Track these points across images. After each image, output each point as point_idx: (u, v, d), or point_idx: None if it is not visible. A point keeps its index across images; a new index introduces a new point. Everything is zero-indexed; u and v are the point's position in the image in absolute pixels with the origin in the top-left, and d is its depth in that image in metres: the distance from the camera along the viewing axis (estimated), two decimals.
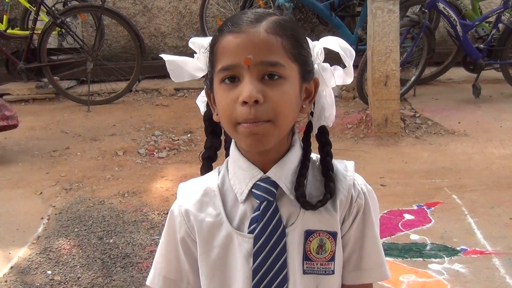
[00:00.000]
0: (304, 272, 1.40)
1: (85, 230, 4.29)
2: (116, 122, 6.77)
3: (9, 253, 4.07)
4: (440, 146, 5.86)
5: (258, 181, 1.39)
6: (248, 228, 1.39)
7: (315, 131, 1.46)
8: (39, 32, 7.41)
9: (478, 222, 4.25)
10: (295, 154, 1.42)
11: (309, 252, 1.40)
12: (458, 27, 6.89)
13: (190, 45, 1.47)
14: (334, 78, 1.43)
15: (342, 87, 7.35)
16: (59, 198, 4.89)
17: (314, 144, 1.47)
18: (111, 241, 4.13)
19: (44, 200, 4.89)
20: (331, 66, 1.44)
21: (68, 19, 7.55)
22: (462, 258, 3.79)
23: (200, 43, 1.46)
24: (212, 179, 1.46)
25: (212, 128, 1.49)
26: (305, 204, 1.37)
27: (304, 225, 1.39)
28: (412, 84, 7.00)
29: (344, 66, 1.44)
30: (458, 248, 3.91)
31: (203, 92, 1.49)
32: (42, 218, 4.54)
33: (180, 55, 1.49)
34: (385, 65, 5.95)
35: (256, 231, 1.38)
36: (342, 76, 1.44)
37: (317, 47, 1.42)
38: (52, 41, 7.91)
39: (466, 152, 5.68)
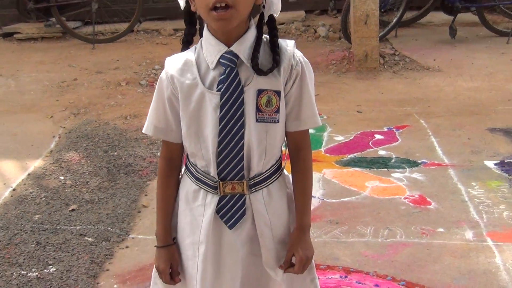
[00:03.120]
0: (257, 121, 1.90)
1: (92, 145, 4.80)
2: (119, 58, 7.25)
3: (26, 163, 4.58)
4: (414, 80, 6.35)
5: (224, 53, 1.89)
6: (217, 87, 1.89)
7: (265, 18, 1.96)
8: None
9: (440, 141, 4.76)
10: (251, 34, 1.91)
11: (260, 106, 1.89)
12: None
13: None
14: None
15: (329, 29, 7.82)
16: (68, 121, 5.41)
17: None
18: (115, 153, 4.64)
19: (55, 122, 5.41)
20: None
21: None
22: (421, 169, 4.31)
23: None
24: (190, 53, 1.96)
25: (190, 19, 1.98)
26: (258, 71, 1.87)
27: (256, 85, 1.88)
28: (394, 26, 7.41)
29: None
30: (419, 161, 4.43)
31: None
32: (53, 137, 5.07)
33: None
34: (365, 5, 6.40)
35: (222, 89, 1.88)
36: None
37: None
38: None
39: (438, 84, 6.17)
